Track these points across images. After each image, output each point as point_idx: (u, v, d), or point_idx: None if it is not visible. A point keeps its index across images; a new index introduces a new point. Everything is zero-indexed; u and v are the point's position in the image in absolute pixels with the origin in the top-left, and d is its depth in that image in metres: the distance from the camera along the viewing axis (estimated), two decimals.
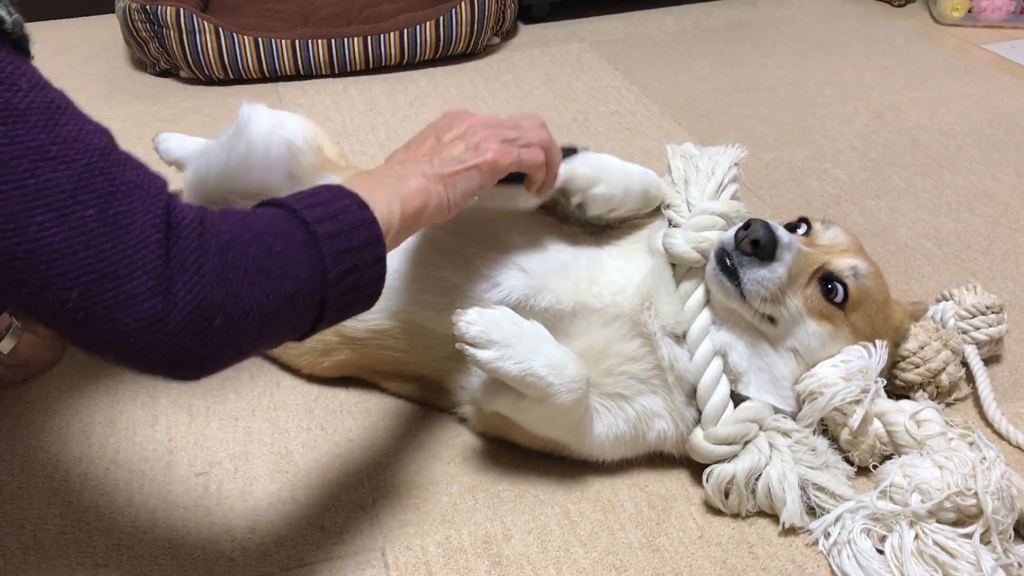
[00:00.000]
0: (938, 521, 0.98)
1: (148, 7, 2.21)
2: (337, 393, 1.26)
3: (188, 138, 1.63)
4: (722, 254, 1.03)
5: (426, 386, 1.21)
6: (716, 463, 1.05)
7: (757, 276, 1.01)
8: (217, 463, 1.16)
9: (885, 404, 1.09)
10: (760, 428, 1.06)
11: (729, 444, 1.05)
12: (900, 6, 2.66)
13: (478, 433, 1.18)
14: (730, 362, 1.06)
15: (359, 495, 1.10)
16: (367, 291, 0.87)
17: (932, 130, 1.93)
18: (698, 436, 1.06)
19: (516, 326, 1.01)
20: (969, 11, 2.48)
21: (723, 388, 1.05)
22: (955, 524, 0.97)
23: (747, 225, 1.02)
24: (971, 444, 1.02)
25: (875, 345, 1.06)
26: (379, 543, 1.04)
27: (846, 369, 1.05)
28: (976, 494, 0.96)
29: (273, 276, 0.78)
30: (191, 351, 0.73)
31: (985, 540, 0.96)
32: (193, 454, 1.17)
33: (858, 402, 1.05)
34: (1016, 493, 0.99)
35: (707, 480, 1.05)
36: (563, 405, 1.01)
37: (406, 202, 0.92)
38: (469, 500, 1.09)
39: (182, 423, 1.22)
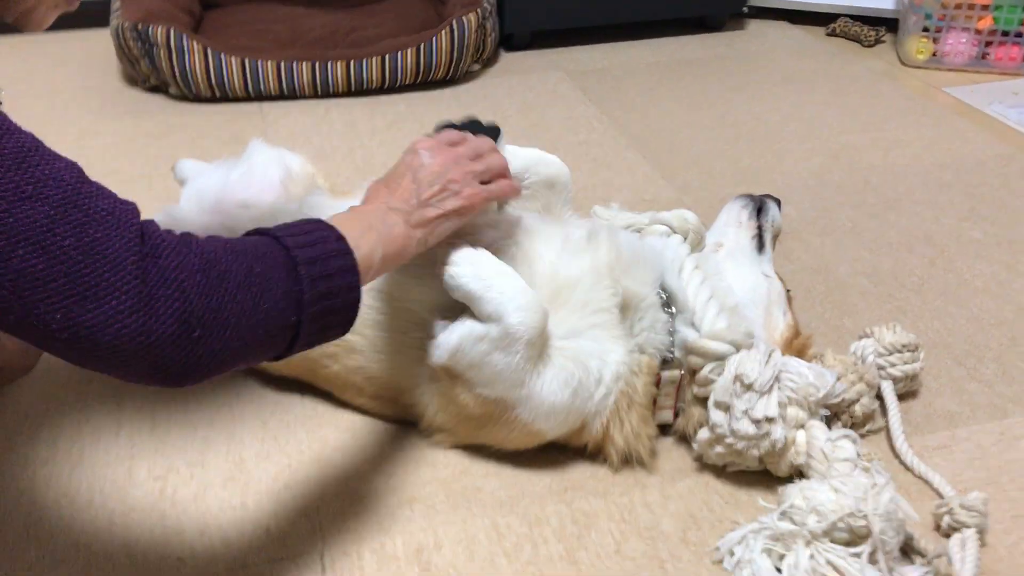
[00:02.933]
0: (832, 541, 1.05)
1: (139, 26, 2.30)
2: (292, 406, 1.34)
3: (199, 163, 1.72)
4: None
5: (380, 388, 1.28)
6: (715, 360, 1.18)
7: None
8: (174, 469, 1.24)
9: (815, 421, 1.18)
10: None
11: (727, 342, 1.18)
12: (869, 46, 2.75)
13: (424, 430, 1.26)
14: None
15: (304, 502, 1.18)
16: (341, 316, 0.95)
17: (884, 171, 2.01)
18: (693, 335, 1.21)
19: (493, 260, 1.13)
20: (933, 54, 2.57)
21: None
22: (848, 544, 1.05)
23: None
24: (866, 471, 1.10)
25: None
26: (319, 548, 1.12)
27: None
28: (866, 516, 1.04)
29: (252, 293, 0.86)
30: (173, 361, 0.81)
31: (873, 559, 1.04)
32: (153, 460, 1.25)
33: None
34: (903, 517, 1.07)
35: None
36: (518, 329, 1.08)
37: (387, 246, 1.01)
38: (406, 511, 1.17)
39: (144, 430, 1.30)
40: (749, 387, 1.14)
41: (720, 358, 1.18)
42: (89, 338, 0.76)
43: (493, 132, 1.32)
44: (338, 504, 1.18)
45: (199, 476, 1.23)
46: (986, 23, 2.49)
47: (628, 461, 1.22)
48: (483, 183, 1.14)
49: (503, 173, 1.17)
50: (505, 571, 1.09)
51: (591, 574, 1.09)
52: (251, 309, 0.85)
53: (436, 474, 1.23)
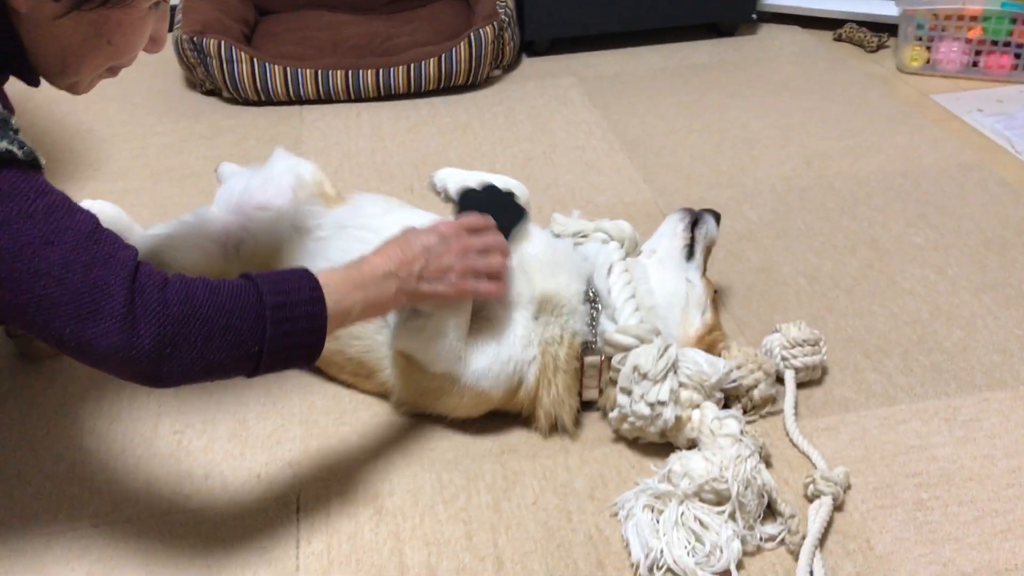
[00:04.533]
0: (701, 500, 1.29)
1: (195, 39, 2.61)
2: (291, 376, 1.62)
3: (235, 167, 2.00)
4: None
5: (357, 367, 1.55)
6: (622, 351, 1.42)
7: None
8: (191, 425, 1.53)
9: (709, 402, 1.42)
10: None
11: (632, 336, 1.41)
12: (872, 52, 2.91)
13: (398, 406, 1.53)
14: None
15: (290, 455, 1.47)
16: (302, 351, 1.18)
17: (849, 178, 2.20)
18: (611, 328, 1.44)
19: None
20: (927, 62, 2.72)
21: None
22: (714, 504, 1.29)
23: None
24: (738, 443, 1.33)
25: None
26: (296, 490, 1.40)
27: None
28: (728, 481, 1.28)
29: (219, 326, 1.09)
30: (150, 370, 1.07)
31: (733, 517, 1.28)
32: (174, 417, 1.55)
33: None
34: (762, 483, 1.30)
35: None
36: (446, 315, 1.36)
37: (371, 304, 1.25)
38: (370, 465, 1.45)
39: (170, 393, 1.59)
40: (644, 376, 1.37)
41: (627, 349, 1.41)
42: (89, 348, 1.04)
43: (518, 213, 1.51)
44: (316, 456, 1.46)
45: (210, 431, 1.52)
46: (976, 33, 2.63)
47: (555, 428, 1.47)
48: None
49: (499, 274, 1.38)
50: (442, 516, 1.36)
51: (510, 520, 1.35)
52: (216, 338, 1.09)
53: (398, 436, 1.50)
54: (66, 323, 1.03)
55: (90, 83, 1.26)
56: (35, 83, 1.23)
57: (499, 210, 1.48)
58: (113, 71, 1.26)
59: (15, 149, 1.03)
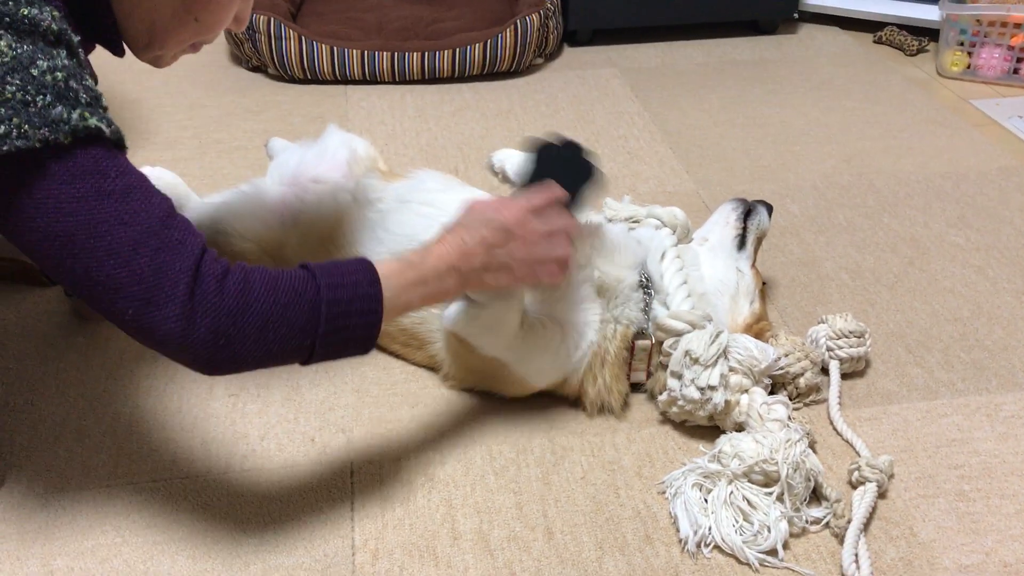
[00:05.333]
0: (750, 481, 1.32)
1: None
2: None
3: (286, 142, 2.03)
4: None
5: (409, 338, 1.58)
6: (674, 336, 1.44)
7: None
8: (245, 388, 1.57)
9: (757, 388, 1.44)
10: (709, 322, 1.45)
11: (685, 321, 1.43)
12: (912, 55, 2.92)
13: (446, 380, 1.56)
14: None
15: (344, 422, 1.50)
16: (354, 345, 1.18)
17: (890, 176, 2.22)
18: (663, 313, 1.46)
19: None
20: (968, 67, 2.73)
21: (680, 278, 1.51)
22: (762, 485, 1.32)
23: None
24: (787, 428, 1.36)
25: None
26: (350, 456, 1.44)
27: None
28: (777, 463, 1.30)
29: (273, 318, 1.09)
30: (204, 358, 1.08)
31: (781, 499, 1.30)
32: (229, 381, 1.58)
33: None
34: (810, 467, 1.32)
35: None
36: (502, 307, 1.36)
37: (430, 298, 1.25)
38: (421, 434, 1.48)
39: None
40: (696, 361, 1.40)
41: (679, 335, 1.44)
42: (148, 331, 1.05)
43: (586, 169, 1.42)
44: (369, 426, 1.50)
45: (264, 395, 1.55)
46: (1019, 40, 2.64)
47: (603, 410, 1.50)
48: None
49: (564, 262, 1.33)
50: (492, 486, 1.39)
51: (559, 493, 1.38)
52: (270, 330, 1.09)
53: (447, 408, 1.53)
54: (129, 304, 1.04)
55: (173, 57, 1.28)
56: (120, 54, 1.26)
57: (573, 169, 1.41)
58: (196, 47, 1.29)
59: (104, 127, 1.04)
